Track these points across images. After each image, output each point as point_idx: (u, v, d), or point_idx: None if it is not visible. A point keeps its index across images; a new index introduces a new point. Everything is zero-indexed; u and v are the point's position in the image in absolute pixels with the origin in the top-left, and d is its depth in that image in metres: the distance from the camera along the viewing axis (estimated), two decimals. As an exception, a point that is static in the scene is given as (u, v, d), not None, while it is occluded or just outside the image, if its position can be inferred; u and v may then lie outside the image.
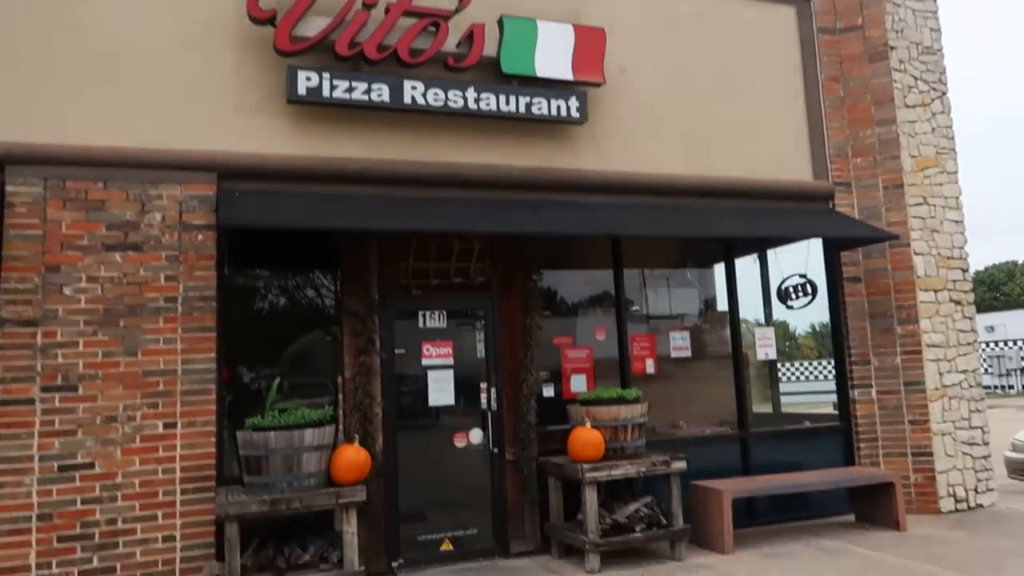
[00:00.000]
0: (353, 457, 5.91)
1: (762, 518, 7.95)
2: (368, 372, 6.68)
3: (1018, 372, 33.85)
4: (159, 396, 6.01)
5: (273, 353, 6.86)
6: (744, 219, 7.91)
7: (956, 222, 8.88)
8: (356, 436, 6.25)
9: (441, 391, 7.03)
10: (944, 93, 9.08)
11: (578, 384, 7.61)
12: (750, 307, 9.00)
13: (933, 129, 8.92)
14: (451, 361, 7.08)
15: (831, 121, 8.80)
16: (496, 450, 7.10)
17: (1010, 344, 34.20)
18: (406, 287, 6.99)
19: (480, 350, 7.21)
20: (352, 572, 5.72)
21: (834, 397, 14.35)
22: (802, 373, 18.65)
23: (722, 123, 8.24)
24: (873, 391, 8.55)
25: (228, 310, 6.44)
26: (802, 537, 7.40)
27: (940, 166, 8.88)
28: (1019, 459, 9.98)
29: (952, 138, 9.02)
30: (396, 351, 6.93)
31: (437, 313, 7.11)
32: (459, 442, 7.04)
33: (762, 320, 9.15)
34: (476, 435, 7.08)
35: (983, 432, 8.64)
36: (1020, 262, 52.56)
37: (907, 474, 8.24)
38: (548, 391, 7.47)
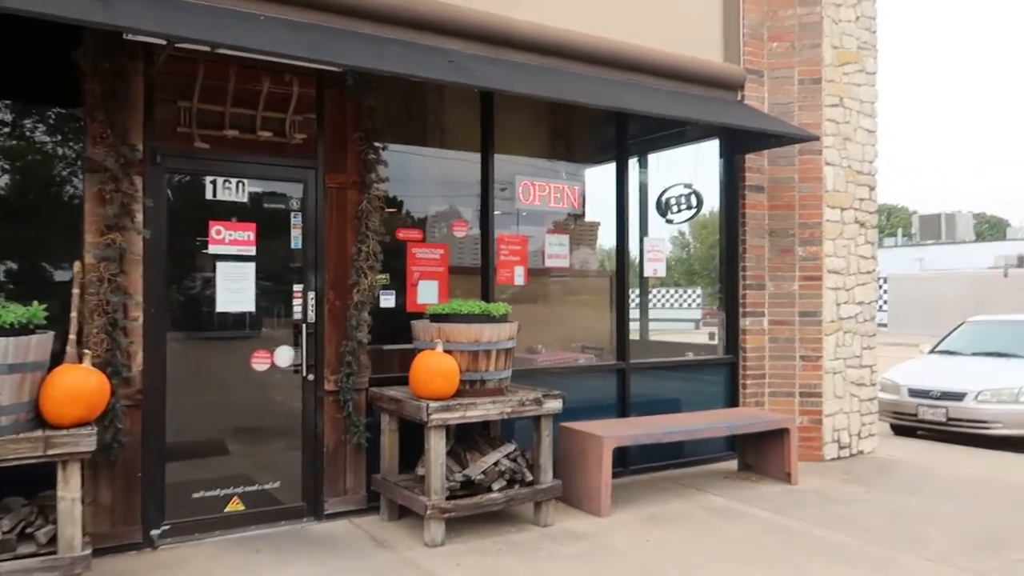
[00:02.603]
0: (77, 384, 3.82)
1: (636, 464, 6.66)
2: (122, 258, 4.50)
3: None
4: None
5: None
6: (653, 97, 6.30)
7: (869, 131, 7.76)
8: (87, 353, 4.13)
9: (236, 292, 4.98)
10: (872, -21, 7.81)
11: (427, 293, 5.81)
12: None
13: (857, 18, 7.65)
14: (252, 251, 5.02)
15: (749, -6, 7.30)
16: (311, 376, 5.21)
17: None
18: (186, 137, 4.80)
19: (295, 239, 5.20)
20: (69, 558, 3.73)
21: (692, 326, 13.34)
22: (657, 300, 17.94)
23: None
24: (765, 320, 7.40)
25: None
26: (685, 491, 6.16)
27: (860, 64, 7.66)
28: (886, 399, 9.39)
29: (875, 32, 7.80)
30: (169, 230, 4.79)
31: (235, 181, 4.98)
32: (259, 364, 5.08)
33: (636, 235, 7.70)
34: (284, 355, 5.14)
35: (872, 371, 7.77)
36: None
37: (792, 416, 7.22)
38: (387, 300, 5.61)
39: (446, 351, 4.88)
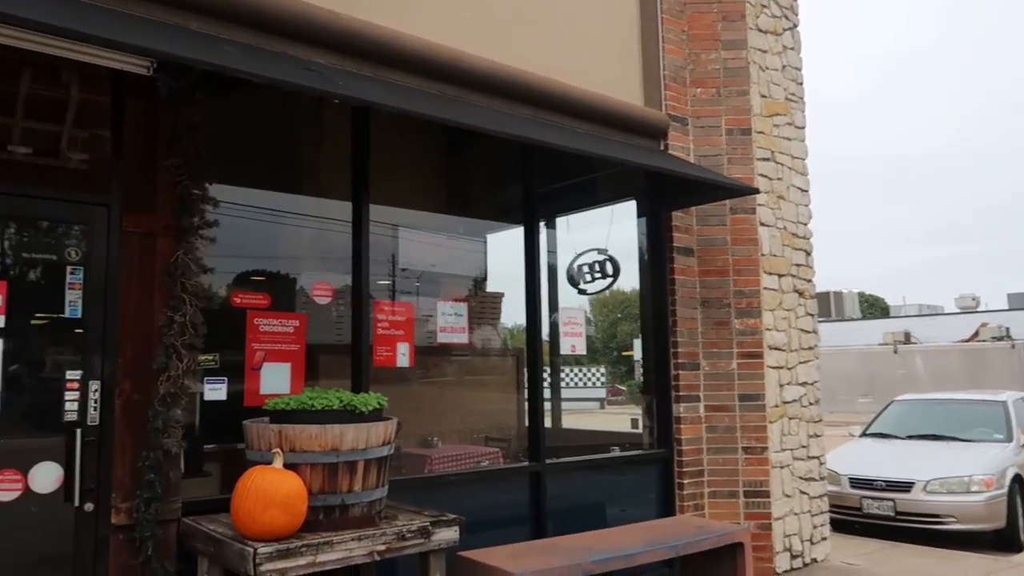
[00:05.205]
0: None
1: (554, 597, 5.20)
2: None
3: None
4: None
5: None
6: (569, 137, 5.18)
7: (802, 190, 6.91)
8: None
9: (-29, 384, 3.35)
10: (796, 25, 7.11)
11: (276, 381, 4.29)
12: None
13: (783, 67, 6.88)
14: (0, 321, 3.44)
15: (668, 32, 6.38)
16: (90, 506, 3.56)
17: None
18: None
19: (72, 304, 3.62)
20: None
21: (596, 406, 12.01)
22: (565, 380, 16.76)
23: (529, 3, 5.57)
24: (701, 406, 6.20)
25: None
26: (621, 634, 4.73)
27: (789, 116, 6.85)
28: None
29: (802, 84, 7.06)
30: None
31: (-27, 220, 3.43)
32: (3, 491, 3.41)
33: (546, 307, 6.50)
34: (46, 475, 3.48)
35: (820, 463, 6.68)
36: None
37: (738, 521, 5.99)
38: (215, 391, 4.07)
39: (289, 465, 3.37)
